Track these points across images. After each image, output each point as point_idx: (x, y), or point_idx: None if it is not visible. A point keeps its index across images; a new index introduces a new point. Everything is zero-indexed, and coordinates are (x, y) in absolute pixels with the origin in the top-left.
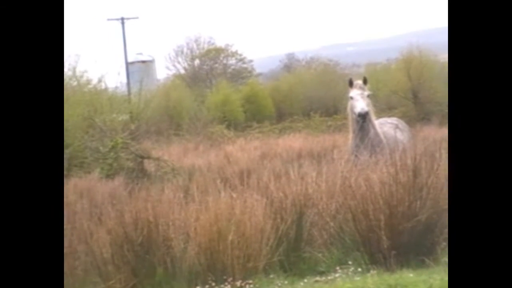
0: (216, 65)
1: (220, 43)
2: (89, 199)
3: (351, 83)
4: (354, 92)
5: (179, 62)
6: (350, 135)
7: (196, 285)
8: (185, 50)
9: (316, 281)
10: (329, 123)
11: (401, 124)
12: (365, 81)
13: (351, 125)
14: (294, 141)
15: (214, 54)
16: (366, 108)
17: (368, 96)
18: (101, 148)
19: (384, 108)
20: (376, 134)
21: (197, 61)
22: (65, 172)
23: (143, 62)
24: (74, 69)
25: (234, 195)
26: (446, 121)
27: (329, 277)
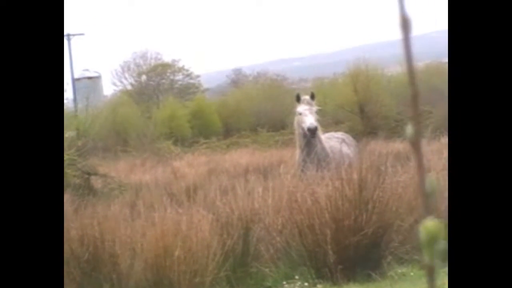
0: (163, 80)
1: (167, 58)
2: None
3: (298, 99)
4: (302, 108)
5: (126, 78)
6: (297, 150)
7: None
8: (132, 66)
9: None
10: (277, 138)
11: (348, 138)
12: (312, 97)
13: (298, 140)
14: (241, 157)
15: (161, 69)
16: (315, 123)
17: (316, 111)
18: None
19: (331, 122)
20: (323, 148)
21: (144, 77)
22: None
23: (90, 78)
24: None
25: (181, 211)
26: (392, 135)
27: None
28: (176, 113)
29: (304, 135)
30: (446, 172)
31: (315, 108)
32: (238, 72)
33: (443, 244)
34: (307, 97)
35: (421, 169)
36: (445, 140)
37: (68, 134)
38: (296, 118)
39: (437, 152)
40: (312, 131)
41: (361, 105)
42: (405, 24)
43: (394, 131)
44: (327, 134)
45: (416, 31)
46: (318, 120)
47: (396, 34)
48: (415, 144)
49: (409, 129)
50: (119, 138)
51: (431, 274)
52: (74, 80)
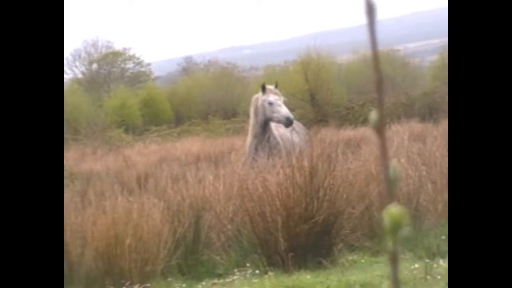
0: (114, 69)
1: (118, 46)
2: None
3: (264, 88)
4: (273, 97)
5: (76, 66)
6: (248, 138)
7: None
8: (82, 54)
9: (214, 283)
10: (228, 126)
11: (298, 126)
12: (276, 86)
13: (252, 128)
14: (192, 145)
15: (112, 58)
16: (291, 114)
17: (284, 101)
18: None
19: None
20: (273, 136)
21: (94, 65)
22: None
23: None
24: None
25: (132, 199)
26: (343, 122)
27: (227, 280)
28: (127, 101)
29: (262, 124)
30: (403, 160)
31: (283, 98)
32: (188, 60)
33: (406, 231)
34: (272, 87)
35: (385, 155)
36: (395, 127)
37: None
38: (263, 107)
39: (388, 139)
40: (291, 121)
41: (312, 93)
42: (370, 10)
43: (345, 119)
44: None
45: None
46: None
47: (347, 22)
48: (380, 130)
49: (374, 115)
50: (69, 126)
51: (394, 261)
52: None
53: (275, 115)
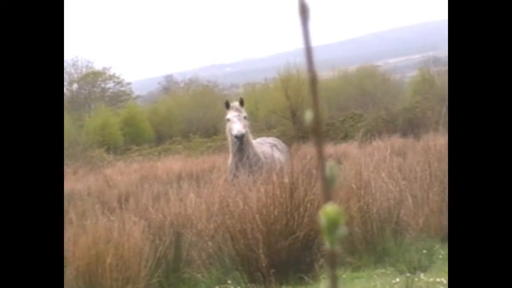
0: (95, 89)
1: (98, 66)
2: None
3: (227, 105)
4: (231, 114)
5: None
6: (230, 156)
7: None
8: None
9: None
10: (209, 144)
11: (279, 144)
12: (241, 103)
13: (230, 145)
14: (173, 163)
15: (92, 77)
16: (242, 130)
17: (245, 117)
18: None
19: (264, 127)
20: (255, 153)
21: (75, 85)
22: None
23: None
24: None
25: (113, 218)
26: (324, 139)
27: None
28: (108, 121)
29: (235, 142)
30: (377, 172)
31: (243, 114)
32: (169, 78)
33: (343, 230)
34: (236, 104)
35: (321, 155)
36: (376, 143)
37: None
38: (227, 125)
39: (369, 155)
40: (239, 138)
41: (293, 110)
42: (304, 11)
43: (326, 135)
44: (259, 139)
45: (347, 35)
46: (248, 126)
47: (326, 39)
48: (315, 130)
49: (309, 114)
50: None
51: (333, 260)
52: None
53: (231, 132)
